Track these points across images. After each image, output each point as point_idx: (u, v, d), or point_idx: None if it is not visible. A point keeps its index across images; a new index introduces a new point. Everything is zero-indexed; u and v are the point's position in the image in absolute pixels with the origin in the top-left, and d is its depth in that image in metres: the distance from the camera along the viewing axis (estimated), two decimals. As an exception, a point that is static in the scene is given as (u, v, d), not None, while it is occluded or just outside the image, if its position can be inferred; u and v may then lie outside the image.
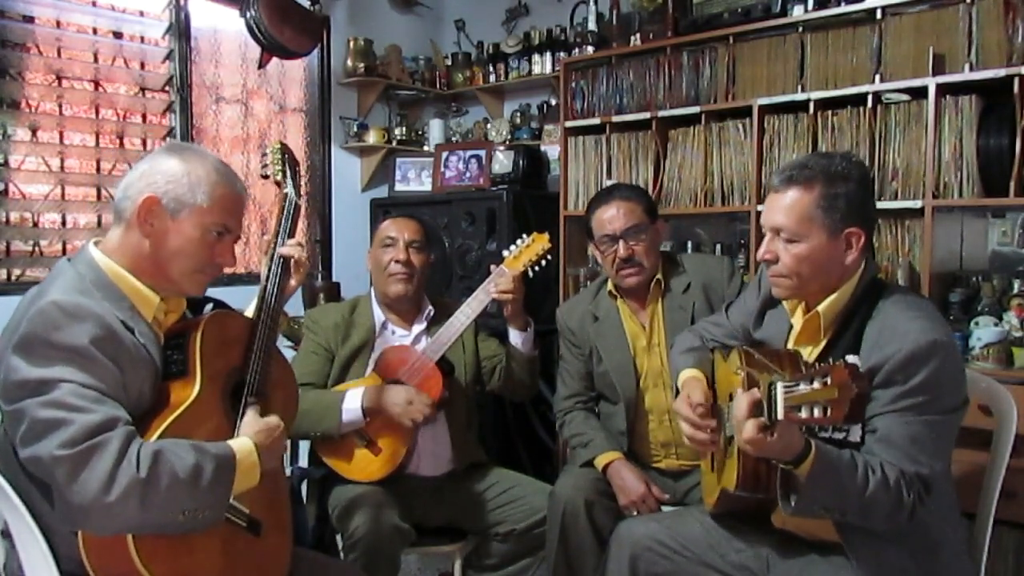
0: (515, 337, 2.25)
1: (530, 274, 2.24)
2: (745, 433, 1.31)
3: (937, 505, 1.45)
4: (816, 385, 1.20)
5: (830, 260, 1.49)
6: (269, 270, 1.64)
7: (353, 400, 2.06)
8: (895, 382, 1.40)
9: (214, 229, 1.42)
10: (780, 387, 1.26)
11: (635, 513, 2.00)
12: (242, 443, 1.37)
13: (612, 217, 2.13)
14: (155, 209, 1.37)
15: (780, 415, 1.25)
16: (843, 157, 1.53)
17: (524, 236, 2.26)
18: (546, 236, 2.25)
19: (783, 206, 1.50)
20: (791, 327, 1.65)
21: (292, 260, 1.66)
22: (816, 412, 1.19)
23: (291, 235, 1.70)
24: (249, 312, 1.63)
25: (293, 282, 1.68)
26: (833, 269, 1.50)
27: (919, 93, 2.30)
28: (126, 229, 1.39)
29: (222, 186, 1.42)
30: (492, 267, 2.24)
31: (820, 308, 1.53)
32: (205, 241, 1.41)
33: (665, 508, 2.05)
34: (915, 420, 1.39)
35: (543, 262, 2.24)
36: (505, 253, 2.26)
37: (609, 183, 2.90)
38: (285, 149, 1.80)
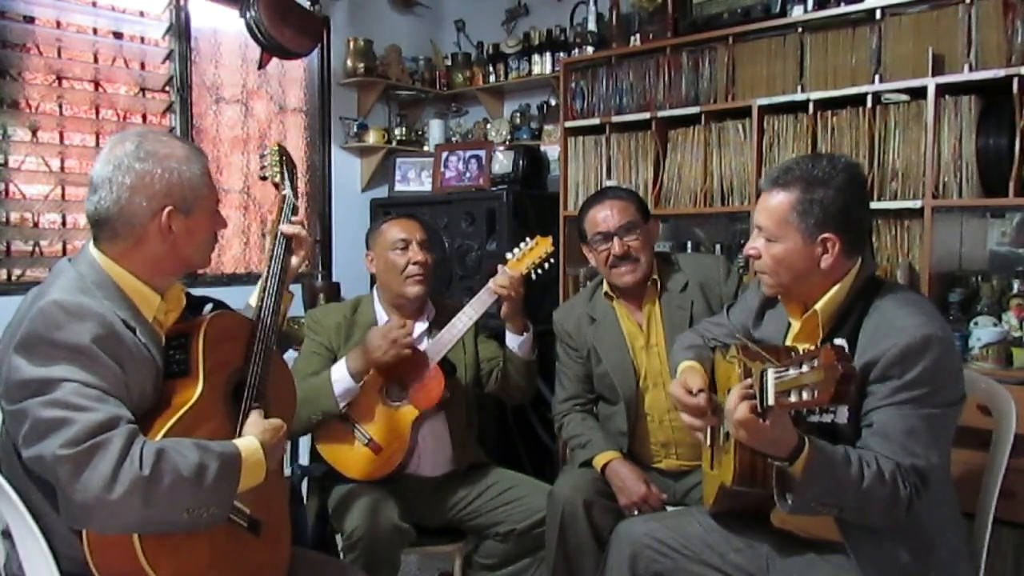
0: (512, 340, 2.25)
1: (533, 276, 2.26)
2: (737, 414, 1.32)
3: (934, 502, 1.46)
4: (805, 369, 1.21)
5: (805, 263, 1.52)
6: (269, 268, 1.64)
7: (339, 371, 2.07)
8: (891, 376, 1.41)
9: (215, 206, 1.48)
10: (771, 373, 1.28)
11: (636, 513, 2.00)
12: (248, 442, 1.37)
13: (606, 216, 2.14)
14: (173, 216, 1.38)
15: (771, 401, 1.27)
16: (830, 161, 1.54)
17: (528, 239, 2.27)
18: (549, 239, 2.27)
19: (766, 207, 1.55)
20: (789, 325, 1.66)
21: (294, 238, 1.67)
22: (805, 395, 1.21)
23: None
24: (253, 299, 1.64)
25: (295, 260, 1.69)
26: (809, 272, 1.52)
27: (919, 93, 2.30)
28: (135, 243, 1.38)
29: (201, 162, 1.44)
30: (499, 267, 2.24)
31: (817, 307, 1.54)
32: (213, 220, 1.48)
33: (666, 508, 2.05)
34: (911, 414, 1.39)
35: (546, 265, 2.26)
36: (508, 256, 2.27)
37: (609, 183, 2.90)
38: (283, 151, 1.80)
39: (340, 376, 2.07)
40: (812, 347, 1.24)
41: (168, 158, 1.39)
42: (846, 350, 1.19)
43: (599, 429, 2.20)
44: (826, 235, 1.49)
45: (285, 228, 1.66)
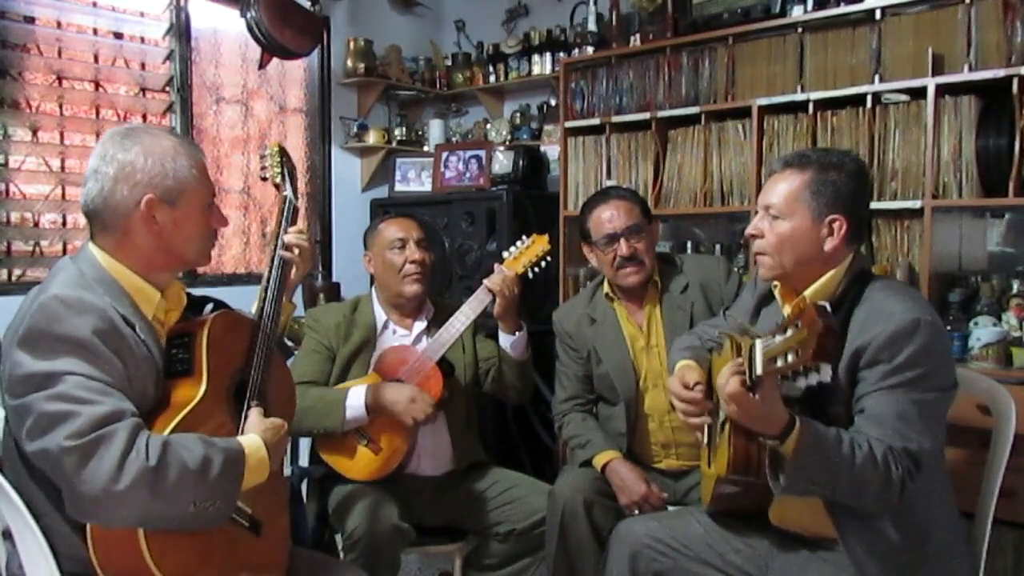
0: (504, 340, 2.25)
1: (529, 275, 2.25)
2: (728, 388, 1.35)
3: (927, 492, 1.46)
4: (790, 333, 1.23)
5: (810, 243, 1.54)
6: (271, 267, 1.65)
7: (356, 398, 2.07)
8: (881, 360, 1.43)
9: (207, 201, 1.46)
10: (759, 344, 1.31)
11: (636, 512, 2.01)
12: (251, 439, 1.38)
13: (612, 216, 2.14)
14: (155, 206, 1.37)
15: (759, 370, 1.29)
16: (843, 152, 1.61)
17: (524, 238, 2.27)
18: (545, 238, 2.26)
19: (777, 186, 1.59)
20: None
21: (292, 255, 1.66)
22: (790, 358, 1.23)
23: None
24: (253, 308, 1.64)
25: (294, 275, 1.68)
26: (812, 253, 1.55)
27: (918, 93, 2.30)
28: (125, 236, 1.38)
29: (191, 156, 1.43)
30: (495, 266, 2.24)
31: (807, 293, 1.56)
32: (206, 215, 1.46)
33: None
34: (902, 398, 1.41)
35: (543, 263, 2.26)
36: (505, 254, 2.27)
37: (609, 183, 2.91)
38: (283, 151, 1.80)
39: (355, 405, 2.06)
40: (796, 312, 1.26)
41: (151, 148, 1.38)
42: (828, 309, 1.22)
43: (599, 429, 2.20)
44: (835, 216, 1.53)
45: (285, 255, 1.65)
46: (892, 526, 1.45)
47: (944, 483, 1.54)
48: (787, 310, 1.65)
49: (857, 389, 1.46)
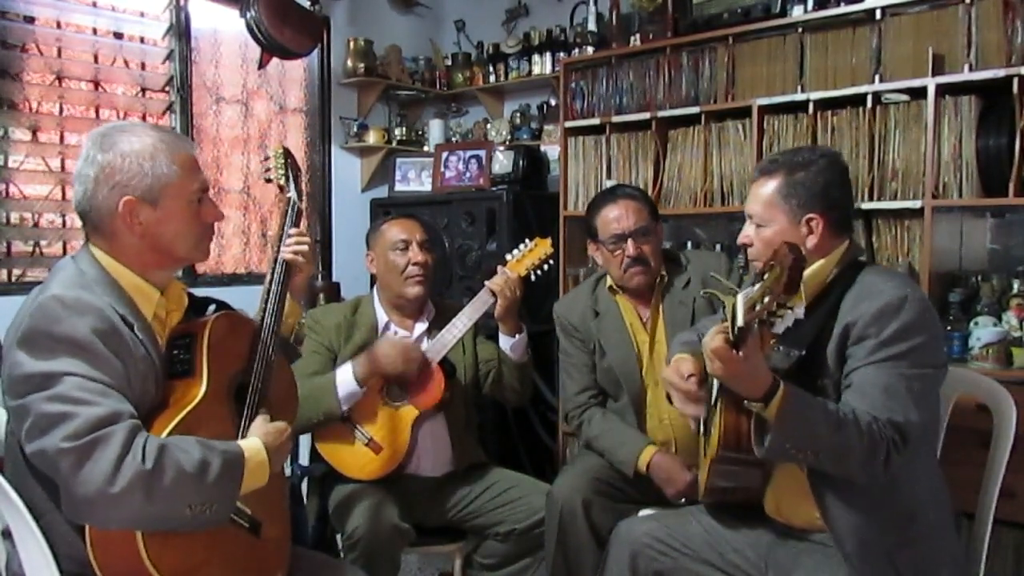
0: (504, 342, 2.25)
1: (532, 278, 2.26)
2: (712, 344, 1.37)
3: (911, 470, 1.47)
4: (766, 276, 1.26)
5: None
6: (273, 271, 1.64)
7: (344, 373, 2.07)
8: (869, 336, 1.45)
9: (194, 196, 1.43)
10: (740, 298, 1.34)
11: (683, 502, 1.99)
12: (252, 443, 1.38)
13: (620, 216, 2.14)
14: (135, 208, 1.36)
15: (741, 321, 1.32)
16: (810, 150, 1.65)
17: (527, 241, 2.27)
18: (548, 241, 2.27)
19: (754, 195, 1.64)
20: None
21: (298, 256, 1.66)
22: (767, 300, 1.26)
23: None
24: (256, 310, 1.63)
25: (299, 279, 1.68)
26: None
27: (918, 93, 2.30)
28: (112, 237, 1.38)
29: (173, 151, 1.40)
30: (498, 268, 2.24)
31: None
32: (192, 211, 1.43)
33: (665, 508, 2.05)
34: (890, 372, 1.43)
35: (545, 267, 2.26)
36: (508, 257, 2.27)
37: (609, 183, 2.90)
38: (287, 153, 1.80)
39: (345, 380, 2.06)
40: (772, 256, 1.29)
41: (130, 148, 1.37)
42: (802, 248, 1.27)
43: (622, 421, 2.17)
44: (810, 215, 1.56)
45: (286, 255, 1.64)
46: (876, 506, 1.46)
47: (932, 467, 1.55)
48: None
49: (846, 366, 1.48)
